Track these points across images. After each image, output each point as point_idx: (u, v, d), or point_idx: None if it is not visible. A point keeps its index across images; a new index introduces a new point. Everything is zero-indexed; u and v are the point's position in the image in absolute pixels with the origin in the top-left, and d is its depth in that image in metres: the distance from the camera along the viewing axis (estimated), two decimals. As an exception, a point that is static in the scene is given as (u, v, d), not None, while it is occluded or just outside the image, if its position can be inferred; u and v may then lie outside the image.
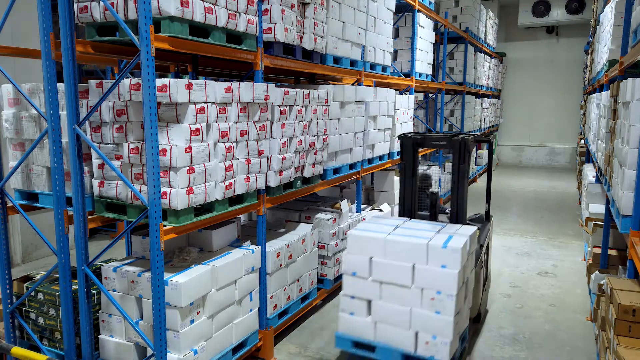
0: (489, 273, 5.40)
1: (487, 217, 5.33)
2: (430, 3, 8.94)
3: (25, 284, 3.90)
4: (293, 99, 4.35)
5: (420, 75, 8.54)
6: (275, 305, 4.55)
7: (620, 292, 3.36)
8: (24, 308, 3.87)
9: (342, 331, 4.05)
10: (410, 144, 4.76)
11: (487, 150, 15.81)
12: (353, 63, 5.80)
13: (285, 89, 4.23)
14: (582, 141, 12.20)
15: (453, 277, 3.62)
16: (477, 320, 5.05)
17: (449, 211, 4.85)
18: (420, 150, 6.01)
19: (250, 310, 4.13)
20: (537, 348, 4.65)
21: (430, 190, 5.12)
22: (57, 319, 3.69)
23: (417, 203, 4.89)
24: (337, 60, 5.39)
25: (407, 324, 3.77)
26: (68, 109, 3.23)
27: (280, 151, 4.21)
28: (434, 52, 9.73)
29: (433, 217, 4.92)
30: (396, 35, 8.38)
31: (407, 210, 4.80)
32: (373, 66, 6.43)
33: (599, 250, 5.37)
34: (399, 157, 6.13)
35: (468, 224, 4.82)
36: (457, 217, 4.62)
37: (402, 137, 4.79)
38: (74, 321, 3.52)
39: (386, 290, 3.84)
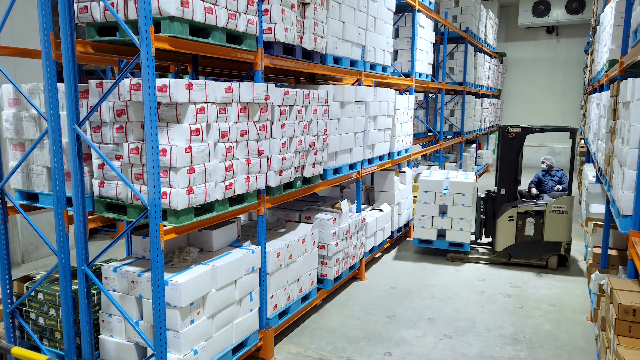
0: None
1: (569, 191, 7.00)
2: (430, 3, 8.94)
3: (26, 284, 3.90)
4: (293, 99, 4.35)
5: (420, 75, 8.53)
6: (275, 305, 4.55)
7: (621, 292, 3.36)
8: (24, 308, 3.87)
9: (415, 236, 7.40)
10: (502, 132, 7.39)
11: (486, 150, 15.87)
12: (353, 63, 5.80)
13: (286, 89, 4.23)
14: (582, 141, 12.20)
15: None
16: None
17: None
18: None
19: (250, 310, 4.13)
20: (538, 348, 4.64)
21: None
22: (57, 319, 3.69)
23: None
24: (337, 60, 5.39)
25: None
26: (68, 109, 3.24)
27: (280, 151, 4.21)
28: (434, 52, 9.73)
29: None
30: (396, 35, 8.37)
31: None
32: (373, 66, 6.43)
33: (599, 250, 5.37)
34: (399, 157, 7.08)
35: (529, 193, 7.75)
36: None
37: (500, 126, 7.42)
38: (74, 321, 3.52)
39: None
